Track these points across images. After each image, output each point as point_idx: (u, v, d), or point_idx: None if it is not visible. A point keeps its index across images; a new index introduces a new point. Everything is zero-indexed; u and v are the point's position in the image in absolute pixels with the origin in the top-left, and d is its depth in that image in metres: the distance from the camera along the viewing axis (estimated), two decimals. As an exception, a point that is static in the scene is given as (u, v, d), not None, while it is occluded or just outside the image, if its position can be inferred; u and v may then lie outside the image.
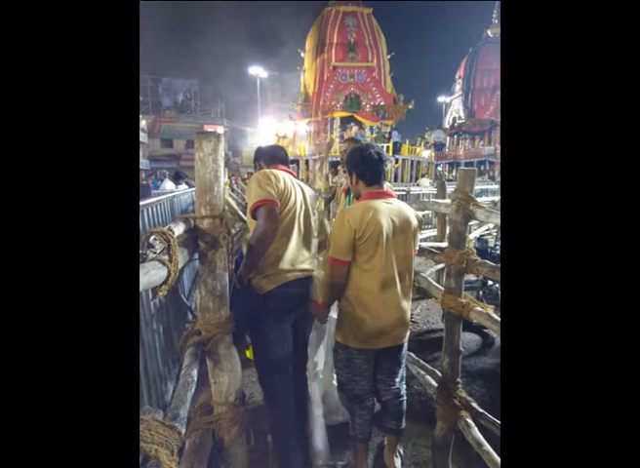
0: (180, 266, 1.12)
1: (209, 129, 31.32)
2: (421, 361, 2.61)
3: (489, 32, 30.67)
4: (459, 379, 2.12)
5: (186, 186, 5.43)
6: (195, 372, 1.37)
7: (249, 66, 25.60)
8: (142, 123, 28.17)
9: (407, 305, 1.82)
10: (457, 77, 32.49)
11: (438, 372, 2.32)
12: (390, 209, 1.74)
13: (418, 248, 1.90)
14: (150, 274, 0.92)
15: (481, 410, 1.95)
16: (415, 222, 1.81)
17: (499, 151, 27.55)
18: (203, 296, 1.51)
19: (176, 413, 1.12)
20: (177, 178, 5.37)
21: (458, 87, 32.29)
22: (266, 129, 24.61)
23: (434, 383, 2.29)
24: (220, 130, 32.23)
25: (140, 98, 26.88)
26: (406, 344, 1.93)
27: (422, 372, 2.48)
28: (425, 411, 2.50)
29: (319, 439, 1.96)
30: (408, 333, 1.89)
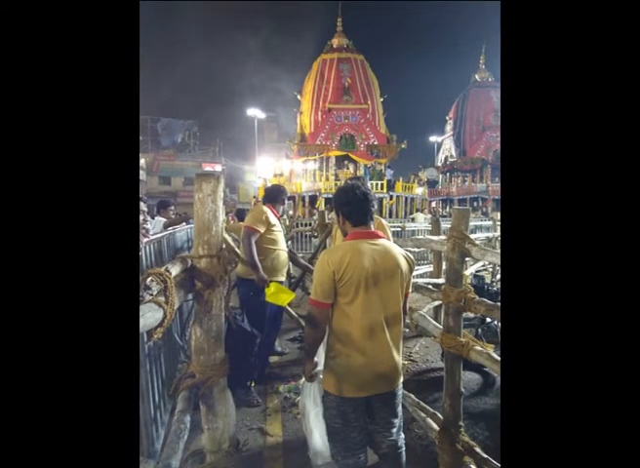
0: (175, 307, 1.11)
1: (207, 167, 31.93)
2: (422, 403, 2.53)
3: (477, 77, 32.19)
4: (461, 422, 2.06)
5: (173, 215, 5.37)
6: (188, 418, 1.33)
7: (247, 108, 26.49)
8: (142, 161, 28.66)
9: (397, 350, 1.74)
10: (447, 118, 33.72)
11: (439, 415, 2.24)
12: (375, 250, 1.68)
13: (410, 290, 1.83)
14: (146, 316, 0.91)
15: (485, 456, 1.88)
16: (404, 264, 1.73)
17: (490, 188, 28.16)
18: (198, 337, 1.49)
19: (167, 464, 1.07)
20: (162, 207, 5.27)
21: (449, 127, 33.44)
22: (264, 166, 25.11)
23: (436, 426, 2.21)
24: (218, 168, 32.82)
25: (140, 138, 27.53)
26: (400, 392, 1.85)
27: (423, 415, 2.40)
28: (427, 457, 2.39)
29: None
30: (401, 380, 1.82)
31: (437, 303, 4.54)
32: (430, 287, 2.57)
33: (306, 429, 1.95)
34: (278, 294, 3.01)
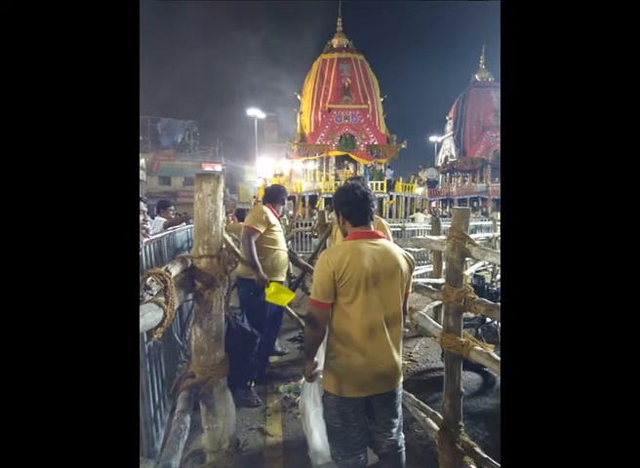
0: (175, 307, 1.11)
1: (207, 167, 31.90)
2: (422, 403, 2.53)
3: (477, 77, 32.18)
4: (461, 422, 2.06)
5: (173, 215, 5.37)
6: (188, 418, 1.33)
7: (247, 108, 26.48)
8: (142, 161, 28.63)
9: (397, 350, 1.74)
10: (447, 118, 33.71)
11: (439, 415, 2.24)
12: (375, 250, 1.68)
13: (410, 290, 1.83)
14: (146, 316, 0.91)
15: (485, 456, 1.88)
16: (404, 265, 1.73)
17: (490, 188, 28.15)
18: (198, 337, 1.49)
19: (167, 464, 1.07)
20: (162, 207, 5.26)
21: (449, 127, 33.43)
22: (264, 166, 25.10)
23: (436, 426, 2.21)
24: (218, 168, 32.79)
25: (140, 138, 27.51)
26: (400, 392, 1.85)
27: (423, 415, 2.40)
28: (427, 457, 2.39)
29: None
30: (401, 380, 1.82)
31: (437, 303, 4.54)
32: (430, 287, 2.57)
33: (306, 429, 1.95)
34: (278, 294, 3.01)
